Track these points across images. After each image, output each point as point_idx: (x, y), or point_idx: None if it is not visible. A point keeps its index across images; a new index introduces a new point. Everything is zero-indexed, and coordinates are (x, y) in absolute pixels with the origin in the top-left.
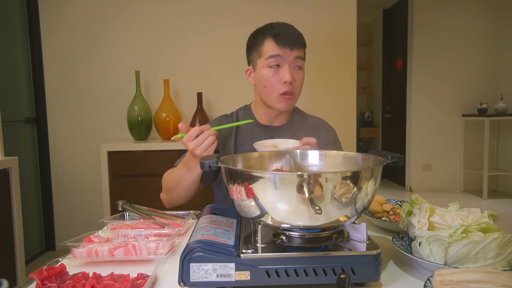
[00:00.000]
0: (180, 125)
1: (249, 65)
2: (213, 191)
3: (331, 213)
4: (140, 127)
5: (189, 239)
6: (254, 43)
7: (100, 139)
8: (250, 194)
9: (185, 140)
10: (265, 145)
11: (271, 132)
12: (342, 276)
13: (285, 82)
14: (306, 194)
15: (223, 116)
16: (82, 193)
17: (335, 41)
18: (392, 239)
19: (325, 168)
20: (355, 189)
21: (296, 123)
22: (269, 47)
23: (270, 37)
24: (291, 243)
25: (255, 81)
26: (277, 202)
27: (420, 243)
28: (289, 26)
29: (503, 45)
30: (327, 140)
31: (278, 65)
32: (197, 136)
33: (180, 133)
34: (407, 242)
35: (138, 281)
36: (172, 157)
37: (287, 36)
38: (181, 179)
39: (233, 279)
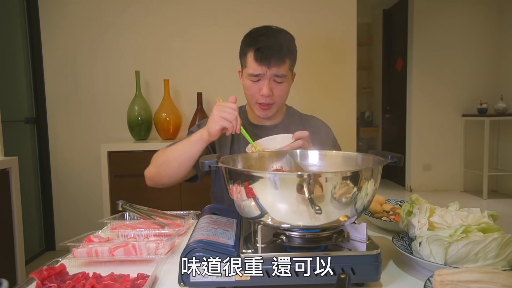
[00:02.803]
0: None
1: (241, 67)
2: (210, 190)
3: (331, 213)
4: (140, 127)
5: (189, 239)
6: (242, 49)
7: (100, 139)
8: (250, 194)
9: (220, 102)
10: (248, 149)
11: (263, 131)
12: (342, 276)
13: (262, 95)
14: (306, 194)
15: None
16: (82, 193)
17: (335, 41)
18: (392, 239)
19: (325, 168)
20: (355, 189)
21: (288, 121)
22: (251, 62)
23: (252, 51)
24: (291, 243)
25: (243, 85)
26: (277, 202)
27: (420, 243)
28: (275, 38)
29: (503, 45)
30: (322, 136)
31: (258, 80)
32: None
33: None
34: (407, 242)
35: (138, 281)
36: None
37: (267, 53)
38: (182, 150)
39: (233, 279)
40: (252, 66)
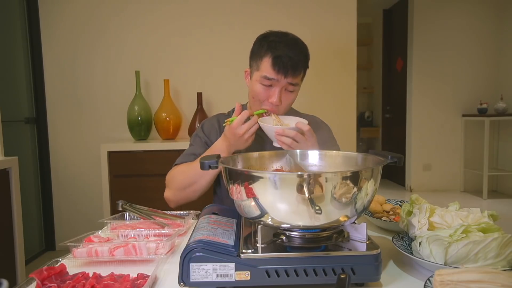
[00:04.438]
0: (237, 105)
1: (249, 67)
2: (214, 190)
3: (331, 213)
4: (140, 127)
5: (189, 239)
6: (257, 52)
7: (100, 139)
8: (250, 194)
9: (235, 125)
10: (268, 122)
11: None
12: (342, 276)
13: (271, 103)
14: (306, 194)
15: (221, 114)
16: (82, 193)
17: (335, 41)
18: (392, 239)
19: (325, 168)
20: (355, 189)
21: None
22: (266, 67)
23: (270, 57)
24: (291, 243)
25: (249, 87)
26: (277, 202)
27: (420, 243)
28: (294, 48)
29: (503, 45)
30: (322, 135)
31: (271, 85)
32: (246, 121)
33: (233, 116)
34: (407, 242)
35: (138, 281)
36: (172, 157)
37: (286, 63)
38: (203, 173)
39: (233, 279)
40: (268, 70)
